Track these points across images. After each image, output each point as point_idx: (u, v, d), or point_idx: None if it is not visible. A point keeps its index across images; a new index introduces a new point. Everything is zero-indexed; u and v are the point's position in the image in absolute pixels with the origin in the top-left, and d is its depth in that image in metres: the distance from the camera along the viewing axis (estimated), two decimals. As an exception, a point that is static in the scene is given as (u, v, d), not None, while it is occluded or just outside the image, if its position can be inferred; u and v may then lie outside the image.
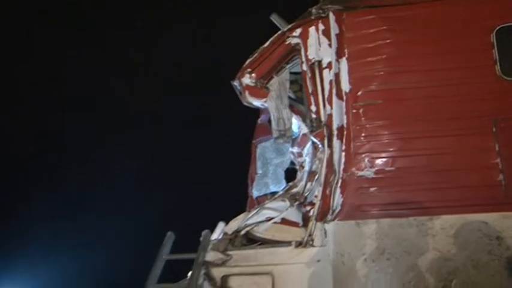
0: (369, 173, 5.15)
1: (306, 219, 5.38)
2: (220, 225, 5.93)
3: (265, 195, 6.71)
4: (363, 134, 5.24)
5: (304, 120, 5.74)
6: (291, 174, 6.72)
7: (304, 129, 5.82)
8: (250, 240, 5.59)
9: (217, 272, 5.26)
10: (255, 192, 6.80)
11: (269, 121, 6.34)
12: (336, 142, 5.27)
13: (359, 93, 5.34)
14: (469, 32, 5.32)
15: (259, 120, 6.96)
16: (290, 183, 6.10)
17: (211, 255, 5.33)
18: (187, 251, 5.51)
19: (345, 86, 5.38)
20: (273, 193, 6.56)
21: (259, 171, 6.87)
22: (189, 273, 5.41)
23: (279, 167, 6.85)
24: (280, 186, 6.69)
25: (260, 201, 6.53)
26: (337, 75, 5.42)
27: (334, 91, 5.37)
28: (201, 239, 5.40)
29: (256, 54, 5.96)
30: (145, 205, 16.40)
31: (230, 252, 5.41)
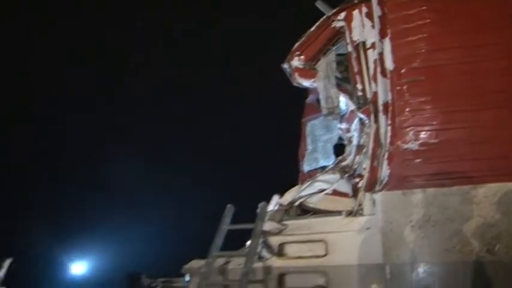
0: (413, 145, 5.12)
1: (355, 190, 5.43)
2: (275, 198, 6.03)
3: (315, 169, 6.75)
4: (407, 109, 5.21)
5: (351, 98, 5.76)
6: (339, 149, 6.74)
7: (352, 106, 5.84)
8: (304, 210, 5.69)
9: (275, 240, 5.38)
10: (306, 167, 6.86)
11: (317, 100, 6.37)
12: (381, 117, 5.27)
13: (402, 71, 5.30)
14: (505, 9, 5.19)
15: (307, 100, 6.99)
16: (339, 157, 6.15)
17: (268, 225, 5.45)
18: (245, 222, 5.66)
19: (389, 65, 5.35)
20: (323, 167, 6.61)
21: (309, 147, 6.91)
22: (248, 242, 5.54)
23: (327, 143, 6.87)
24: (329, 160, 6.72)
25: (311, 175, 6.59)
26: (381, 55, 5.39)
27: (378, 70, 5.36)
28: (258, 210, 5.51)
29: (303, 38, 5.99)
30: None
31: (286, 222, 5.53)
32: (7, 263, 12.35)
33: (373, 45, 5.47)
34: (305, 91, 6.81)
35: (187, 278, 5.83)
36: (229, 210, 5.62)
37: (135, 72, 19.38)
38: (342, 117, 6.25)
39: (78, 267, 14.14)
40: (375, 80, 5.37)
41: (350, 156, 5.74)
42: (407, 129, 5.17)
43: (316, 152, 6.88)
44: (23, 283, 12.89)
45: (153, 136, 18.32)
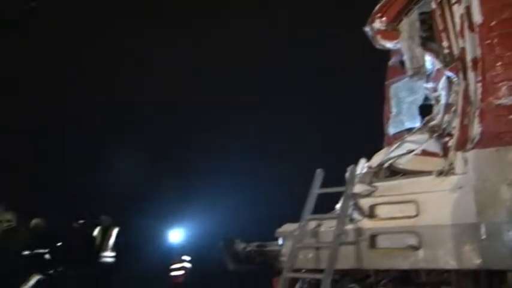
0: (507, 100, 4.71)
1: (445, 149, 5.15)
2: (362, 161, 5.89)
3: (401, 131, 6.53)
4: (499, 63, 4.79)
5: (437, 57, 5.44)
6: (424, 110, 6.46)
7: (438, 65, 5.53)
8: (393, 172, 5.50)
9: (365, 202, 5.24)
10: (391, 130, 6.66)
11: (400, 62, 6.11)
12: (470, 74, 4.90)
13: (492, 23, 4.86)
14: None
15: (390, 63, 6.73)
16: (427, 117, 5.87)
17: (358, 188, 5.32)
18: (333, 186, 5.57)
19: (477, 18, 4.92)
20: (408, 129, 6.37)
21: (394, 110, 6.69)
22: (338, 205, 5.46)
23: (412, 105, 6.61)
24: (414, 122, 6.47)
25: (396, 137, 6.38)
26: (467, 9, 4.98)
27: (465, 25, 4.96)
28: (347, 173, 5.40)
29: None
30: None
31: (376, 184, 5.36)
32: (115, 231, 13.06)
33: (458, 0, 5.10)
34: (388, 54, 6.57)
35: (280, 241, 5.84)
36: (319, 174, 5.56)
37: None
38: (428, 77, 5.93)
39: (176, 235, 14.58)
40: (462, 36, 4.99)
41: (438, 116, 5.45)
42: (500, 84, 4.77)
43: (401, 114, 6.66)
44: (127, 250, 13.56)
45: (250, 105, 18.30)
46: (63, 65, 18.69)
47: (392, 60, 6.63)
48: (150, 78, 19.05)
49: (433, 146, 5.28)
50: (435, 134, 5.27)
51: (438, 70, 5.68)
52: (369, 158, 5.94)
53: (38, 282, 4.06)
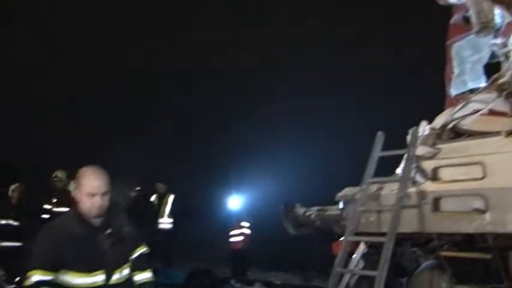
0: None
1: (515, 108, 4.84)
2: (423, 124, 5.61)
3: (464, 93, 6.17)
4: None
5: (507, 8, 5.05)
6: (488, 70, 6.06)
7: (508, 18, 5.13)
8: (457, 133, 5.22)
9: (428, 165, 4.99)
10: (453, 91, 6.30)
11: (464, 19, 5.73)
12: (547, 26, 4.55)
13: None
14: None
15: (452, 21, 6.33)
16: (495, 75, 5.50)
17: (420, 150, 5.07)
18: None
19: (555, -36, 4.55)
20: (471, 90, 6.01)
21: (456, 70, 6.31)
22: (399, 168, 5.25)
23: (476, 64, 6.19)
24: (479, 82, 6.07)
25: (459, 99, 6.02)
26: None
27: (542, -29, 4.60)
28: (409, 135, 5.17)
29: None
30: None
31: (439, 146, 5.11)
32: (170, 198, 13.26)
33: None
34: (449, 12, 6.19)
35: (340, 205, 5.70)
36: (380, 137, 5.35)
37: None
38: (496, 32, 5.53)
39: (235, 201, 14.62)
40: (538, -16, 4.62)
41: (508, 73, 5.06)
42: None
43: (464, 74, 6.27)
44: (184, 216, 13.78)
45: (310, 75, 18.06)
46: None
47: (455, 18, 6.23)
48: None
49: (501, 105, 4.94)
50: (504, 92, 4.91)
51: (508, 24, 5.27)
52: (430, 120, 5.67)
53: (140, 255, 4.04)
